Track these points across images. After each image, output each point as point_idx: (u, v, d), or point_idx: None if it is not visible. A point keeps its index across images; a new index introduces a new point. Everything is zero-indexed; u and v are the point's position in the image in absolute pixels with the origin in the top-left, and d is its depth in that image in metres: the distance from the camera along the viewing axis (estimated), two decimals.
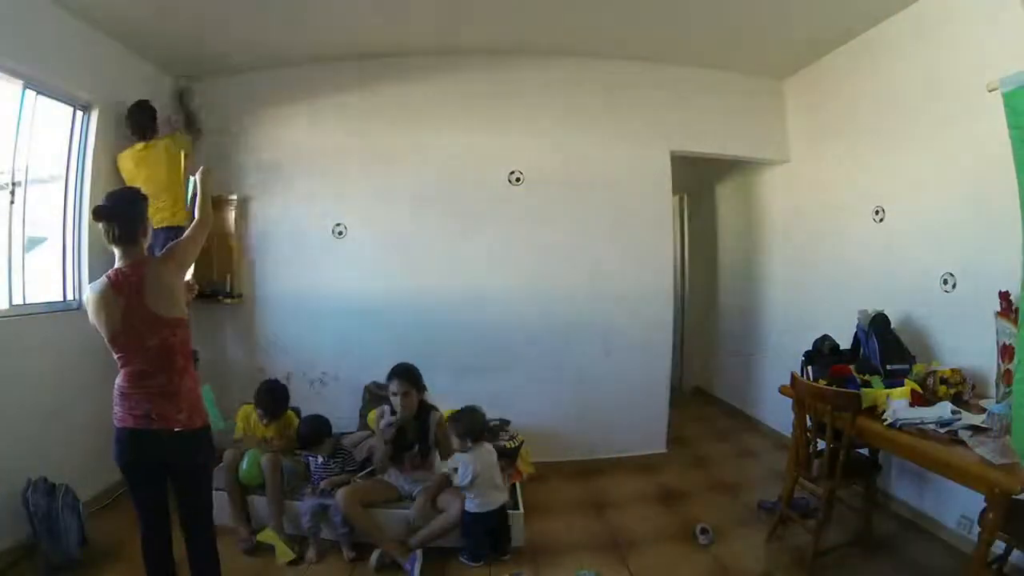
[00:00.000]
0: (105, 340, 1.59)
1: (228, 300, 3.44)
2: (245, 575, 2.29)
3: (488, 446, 2.52)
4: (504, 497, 2.45)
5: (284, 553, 2.35)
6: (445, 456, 2.54)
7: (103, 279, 1.58)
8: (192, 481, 1.72)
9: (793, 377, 2.42)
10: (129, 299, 1.55)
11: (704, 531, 2.54)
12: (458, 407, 3.18)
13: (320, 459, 2.59)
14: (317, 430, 2.60)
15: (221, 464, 2.57)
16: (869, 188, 3.06)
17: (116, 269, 1.61)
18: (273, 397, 2.67)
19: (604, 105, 3.53)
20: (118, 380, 1.61)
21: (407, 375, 2.48)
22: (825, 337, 2.84)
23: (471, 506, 2.34)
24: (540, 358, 3.48)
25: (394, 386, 2.45)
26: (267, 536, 2.41)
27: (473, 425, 2.46)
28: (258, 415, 2.66)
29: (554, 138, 3.49)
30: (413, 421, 2.51)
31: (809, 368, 2.81)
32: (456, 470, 2.38)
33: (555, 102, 3.49)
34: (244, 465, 2.51)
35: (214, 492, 2.52)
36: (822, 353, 2.79)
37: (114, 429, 1.61)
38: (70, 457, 2.63)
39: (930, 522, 2.57)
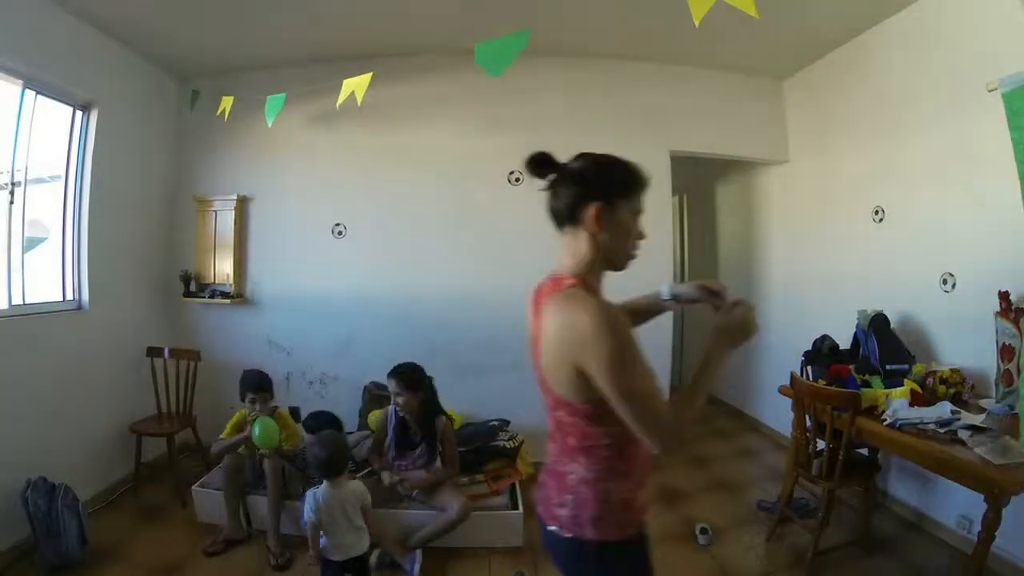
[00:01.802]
0: None
1: (228, 300, 3.44)
2: (244, 575, 2.30)
3: (352, 484, 2.06)
4: (363, 545, 2.02)
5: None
6: (450, 463, 2.51)
7: None
8: None
9: (793, 377, 2.42)
10: None
11: (704, 531, 2.54)
12: (457, 407, 3.19)
13: None
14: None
15: (221, 465, 2.57)
16: (868, 188, 3.06)
17: None
18: (256, 375, 2.63)
19: (604, 105, 3.53)
20: None
21: (404, 377, 2.42)
22: (825, 337, 2.84)
23: (323, 545, 1.99)
24: None
25: (390, 387, 2.43)
26: None
27: (331, 455, 2.00)
28: (247, 406, 2.60)
29: (554, 138, 3.44)
30: (418, 422, 2.50)
31: (809, 368, 2.81)
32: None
33: (555, 102, 3.49)
34: (257, 431, 2.41)
35: (213, 492, 2.58)
36: (822, 353, 2.79)
37: None
38: (70, 457, 2.64)
39: (930, 522, 2.57)
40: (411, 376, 2.44)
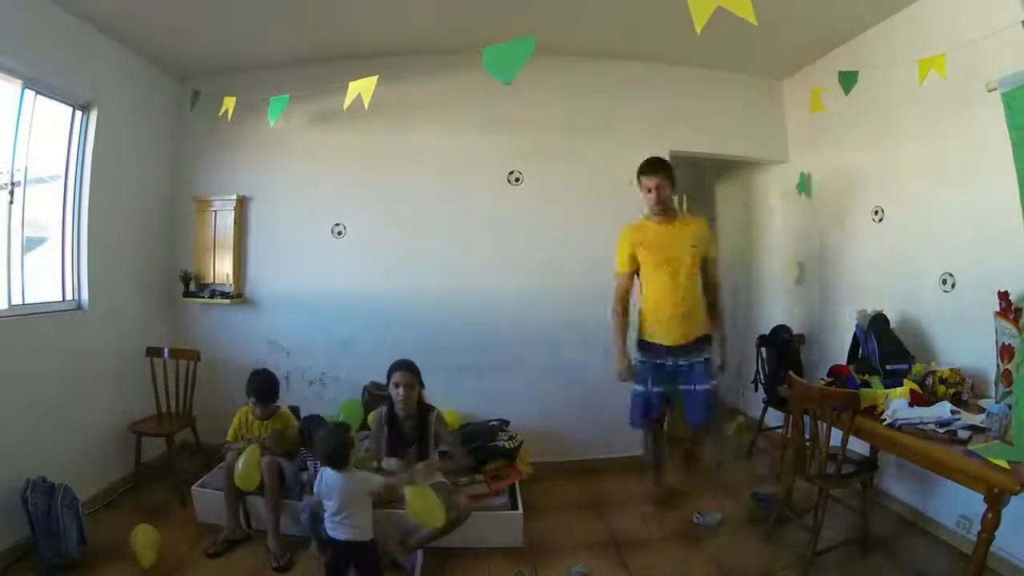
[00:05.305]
0: None
1: (228, 300, 3.44)
2: (244, 575, 2.30)
3: (360, 475, 2.12)
4: (362, 533, 2.06)
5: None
6: (455, 446, 2.57)
7: None
8: None
9: (792, 377, 2.42)
10: None
11: (702, 515, 2.56)
12: (457, 407, 3.19)
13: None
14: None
15: (222, 464, 2.58)
16: (868, 188, 3.06)
17: None
18: (261, 380, 2.66)
19: (604, 105, 3.53)
20: None
21: (410, 367, 2.50)
22: (782, 327, 2.91)
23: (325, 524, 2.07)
24: (539, 358, 3.48)
25: (396, 377, 2.46)
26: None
27: (334, 449, 2.06)
28: (251, 404, 2.65)
29: (554, 138, 3.49)
30: (411, 419, 2.51)
31: (763, 350, 2.83)
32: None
33: (555, 102, 3.49)
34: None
35: (213, 492, 2.59)
36: (776, 338, 2.84)
37: None
38: (70, 457, 2.64)
39: (929, 522, 2.57)
40: (416, 367, 2.52)
